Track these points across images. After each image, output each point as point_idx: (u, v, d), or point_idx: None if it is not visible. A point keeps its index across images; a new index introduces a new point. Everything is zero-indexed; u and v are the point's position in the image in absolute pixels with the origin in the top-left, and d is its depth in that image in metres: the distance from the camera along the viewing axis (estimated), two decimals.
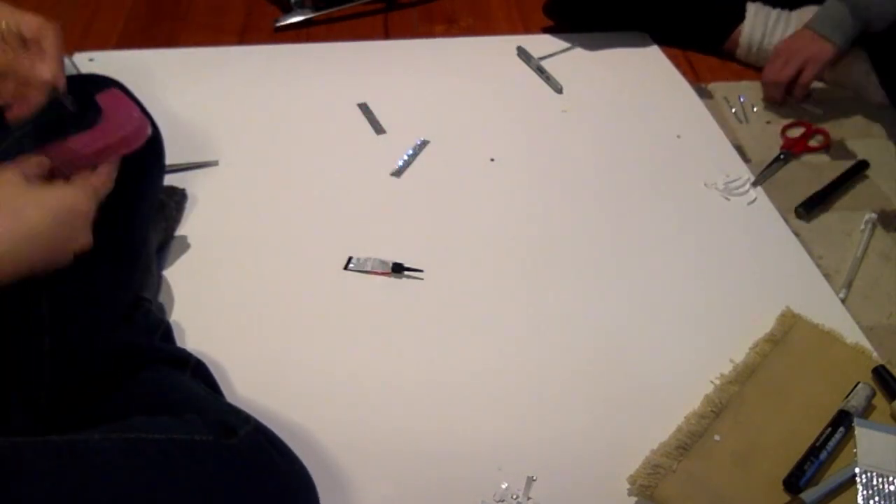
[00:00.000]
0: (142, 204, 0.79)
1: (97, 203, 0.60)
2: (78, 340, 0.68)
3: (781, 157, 1.14)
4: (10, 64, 0.64)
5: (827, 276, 0.96)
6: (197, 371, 0.75)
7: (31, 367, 0.65)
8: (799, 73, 1.20)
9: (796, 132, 1.19)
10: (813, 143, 1.18)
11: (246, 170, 1.08)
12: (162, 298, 0.89)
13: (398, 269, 0.93)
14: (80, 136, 0.63)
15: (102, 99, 0.66)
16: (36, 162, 0.60)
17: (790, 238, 1.01)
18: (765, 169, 1.12)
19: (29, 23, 0.64)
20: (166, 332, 0.82)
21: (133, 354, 0.73)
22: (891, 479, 0.72)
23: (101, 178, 0.62)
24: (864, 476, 0.72)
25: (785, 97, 1.24)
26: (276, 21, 1.41)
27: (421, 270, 0.94)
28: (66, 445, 0.54)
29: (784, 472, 0.73)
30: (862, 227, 1.04)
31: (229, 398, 0.77)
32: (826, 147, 1.17)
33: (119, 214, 0.74)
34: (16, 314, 0.65)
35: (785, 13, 1.31)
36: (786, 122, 1.21)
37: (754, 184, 1.09)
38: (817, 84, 1.30)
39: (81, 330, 0.69)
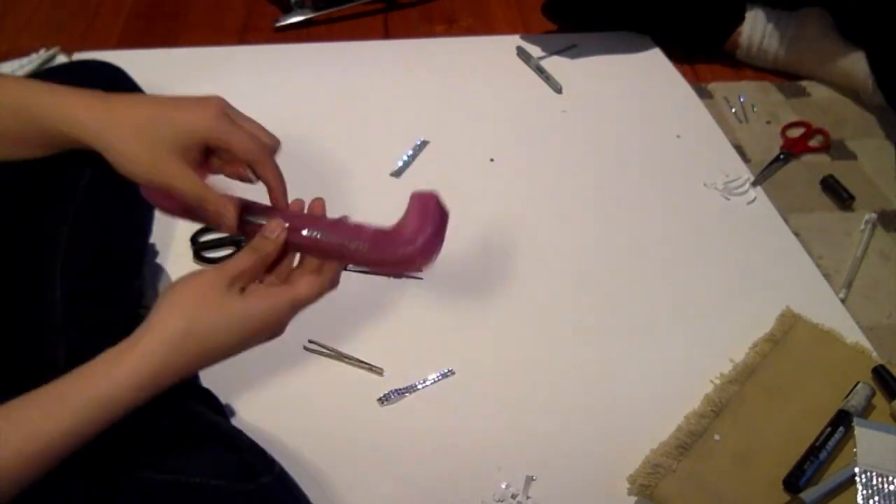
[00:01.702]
0: (142, 203, 0.79)
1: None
2: (89, 332, 0.68)
3: (781, 157, 1.14)
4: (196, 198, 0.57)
5: (827, 276, 0.96)
6: (210, 405, 0.74)
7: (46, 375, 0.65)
8: None
9: (796, 132, 1.19)
10: (813, 143, 1.18)
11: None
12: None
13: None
14: (352, 227, 0.57)
15: (418, 200, 0.59)
16: (246, 262, 0.54)
17: (790, 238, 1.01)
18: (764, 169, 1.12)
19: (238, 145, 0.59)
20: None
21: None
22: (891, 478, 0.72)
23: (314, 290, 0.56)
24: (863, 476, 0.72)
25: None
26: (276, 21, 1.41)
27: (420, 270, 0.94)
28: (76, 479, 0.53)
29: (784, 471, 0.73)
30: (862, 227, 1.04)
31: (223, 397, 0.78)
32: (826, 147, 1.17)
33: (120, 215, 0.74)
34: (27, 317, 0.64)
35: (785, 14, 1.31)
36: (786, 122, 1.21)
37: (754, 184, 1.09)
38: (814, 82, 1.30)
39: (93, 324, 0.69)
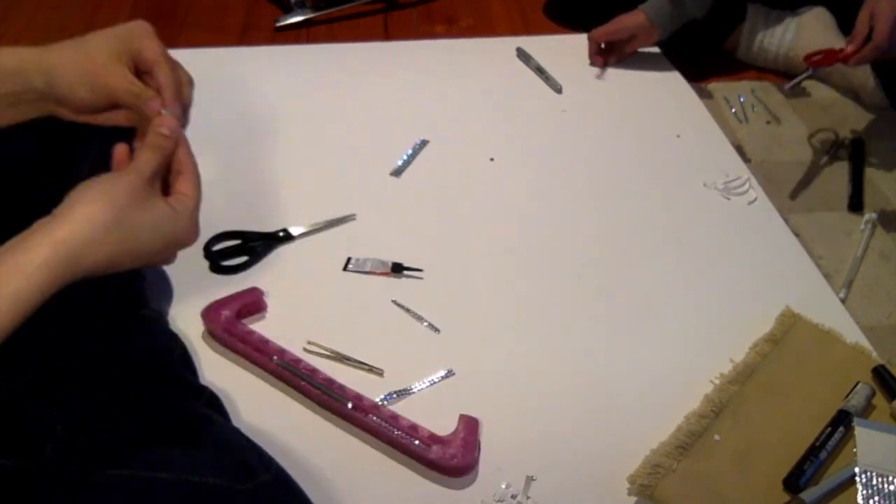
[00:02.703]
0: None
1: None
2: (87, 330, 0.68)
3: (809, 71, 1.13)
4: (131, 95, 0.62)
5: (827, 276, 0.96)
6: (210, 405, 0.74)
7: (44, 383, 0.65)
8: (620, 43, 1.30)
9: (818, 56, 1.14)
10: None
11: (244, 170, 1.08)
12: (162, 302, 0.89)
13: (398, 268, 0.93)
14: None
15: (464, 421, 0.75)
16: (154, 161, 0.57)
17: (790, 238, 1.01)
18: (794, 84, 1.16)
19: (149, 49, 0.64)
20: (183, 354, 0.80)
21: (153, 368, 0.72)
22: (891, 478, 0.72)
23: (198, 189, 0.60)
24: (863, 476, 0.72)
25: (601, 59, 1.32)
26: (276, 21, 1.41)
27: (420, 270, 0.94)
28: (77, 477, 0.53)
29: (784, 471, 0.73)
30: (862, 227, 1.04)
31: (225, 399, 0.78)
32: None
33: None
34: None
35: (785, 13, 1.31)
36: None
37: (791, 88, 1.16)
38: (814, 82, 1.30)
39: (93, 325, 0.69)
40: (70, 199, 0.52)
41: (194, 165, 0.60)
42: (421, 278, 0.93)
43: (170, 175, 0.60)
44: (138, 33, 0.65)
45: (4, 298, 0.46)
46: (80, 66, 0.60)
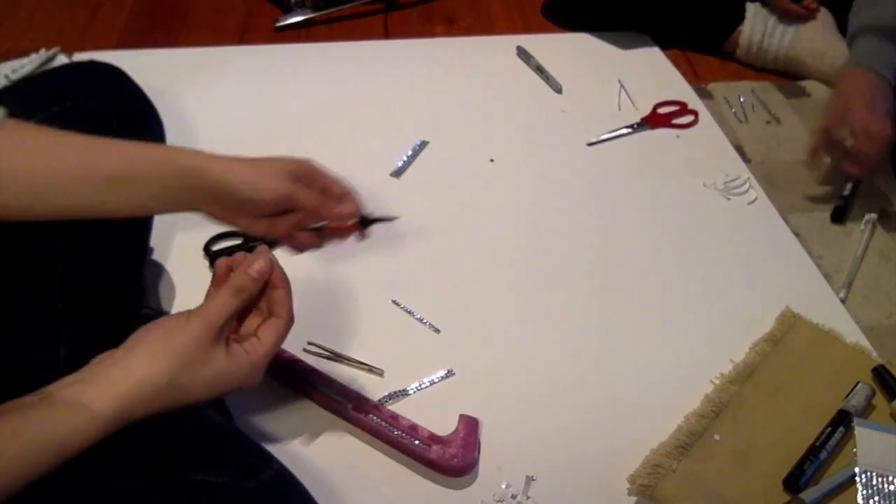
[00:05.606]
0: None
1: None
2: (91, 332, 0.68)
3: (636, 125, 1.18)
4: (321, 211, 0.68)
5: (827, 276, 0.96)
6: (212, 404, 0.73)
7: (48, 364, 0.65)
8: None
9: (668, 108, 1.23)
10: (679, 121, 1.21)
11: None
12: (162, 302, 0.89)
13: (365, 222, 0.81)
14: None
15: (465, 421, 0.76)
16: (230, 307, 0.55)
17: (790, 238, 1.01)
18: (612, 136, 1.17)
19: (301, 166, 0.69)
20: None
21: None
22: (890, 478, 0.72)
23: (281, 336, 0.58)
24: (863, 476, 0.72)
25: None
26: (276, 21, 1.41)
27: (395, 217, 0.83)
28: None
29: (784, 471, 0.73)
30: (862, 227, 1.04)
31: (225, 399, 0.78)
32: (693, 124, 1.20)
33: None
34: (26, 320, 0.64)
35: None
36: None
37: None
38: (814, 82, 1.30)
39: (94, 323, 0.69)
40: (133, 343, 0.51)
41: (289, 312, 0.59)
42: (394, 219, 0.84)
43: (260, 300, 0.60)
44: (308, 164, 0.71)
45: (52, 445, 0.46)
46: (262, 171, 0.64)
